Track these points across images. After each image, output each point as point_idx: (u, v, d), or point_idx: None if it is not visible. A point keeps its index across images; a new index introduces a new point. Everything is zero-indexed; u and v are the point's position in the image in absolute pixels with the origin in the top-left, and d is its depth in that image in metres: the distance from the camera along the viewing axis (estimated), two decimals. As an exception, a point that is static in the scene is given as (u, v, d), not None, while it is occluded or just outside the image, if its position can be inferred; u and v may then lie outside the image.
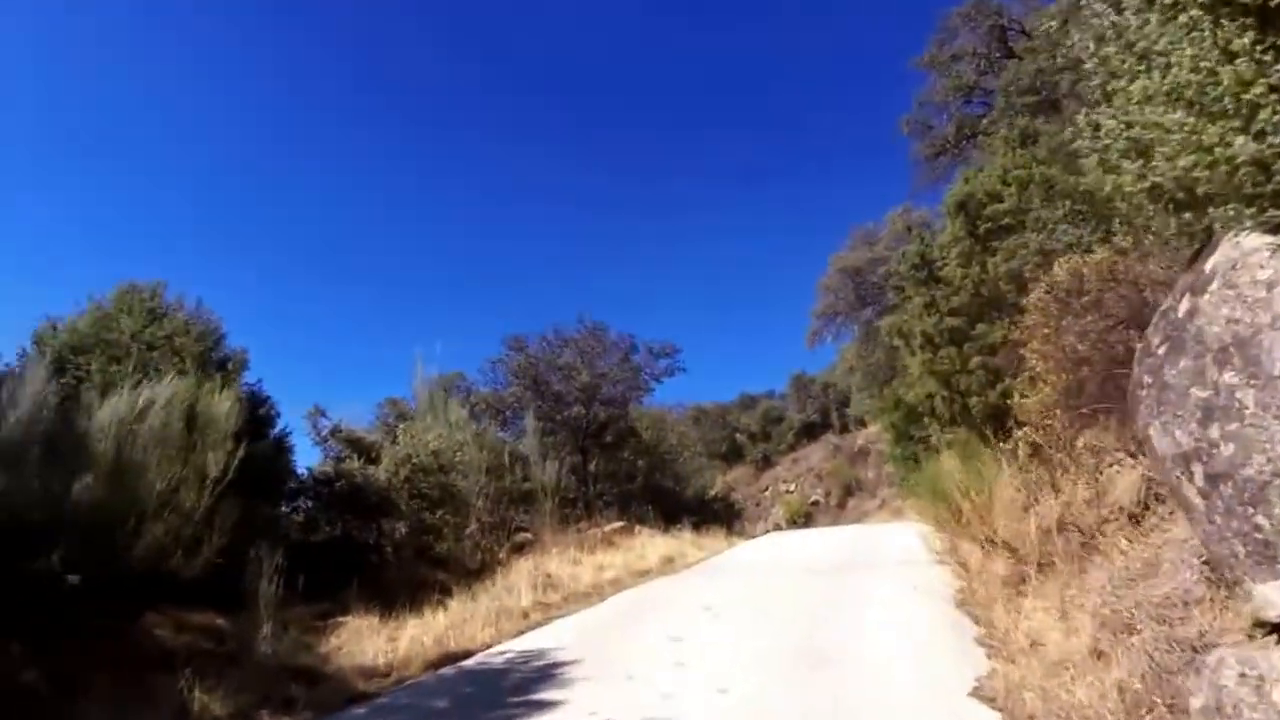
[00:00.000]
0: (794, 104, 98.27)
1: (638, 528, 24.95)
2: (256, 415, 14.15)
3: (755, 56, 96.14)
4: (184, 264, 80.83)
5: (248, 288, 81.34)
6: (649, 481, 31.87)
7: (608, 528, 23.61)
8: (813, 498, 50.45)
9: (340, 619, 12.50)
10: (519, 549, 20.16)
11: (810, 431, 58.76)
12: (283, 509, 15.48)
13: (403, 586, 14.31)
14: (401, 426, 19.04)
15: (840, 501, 48.53)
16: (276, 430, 15.11)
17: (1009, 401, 13.73)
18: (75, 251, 75.30)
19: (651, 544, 21.85)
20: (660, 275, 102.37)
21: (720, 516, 34.31)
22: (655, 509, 28.44)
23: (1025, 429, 11.31)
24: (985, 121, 26.13)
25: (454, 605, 13.15)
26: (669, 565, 18.78)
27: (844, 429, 55.85)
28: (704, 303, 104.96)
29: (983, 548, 11.10)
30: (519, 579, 15.13)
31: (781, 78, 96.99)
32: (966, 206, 16.95)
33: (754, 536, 30.62)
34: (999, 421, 13.82)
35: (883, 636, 8.95)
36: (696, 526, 27.49)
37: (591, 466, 29.49)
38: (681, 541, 23.34)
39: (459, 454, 19.12)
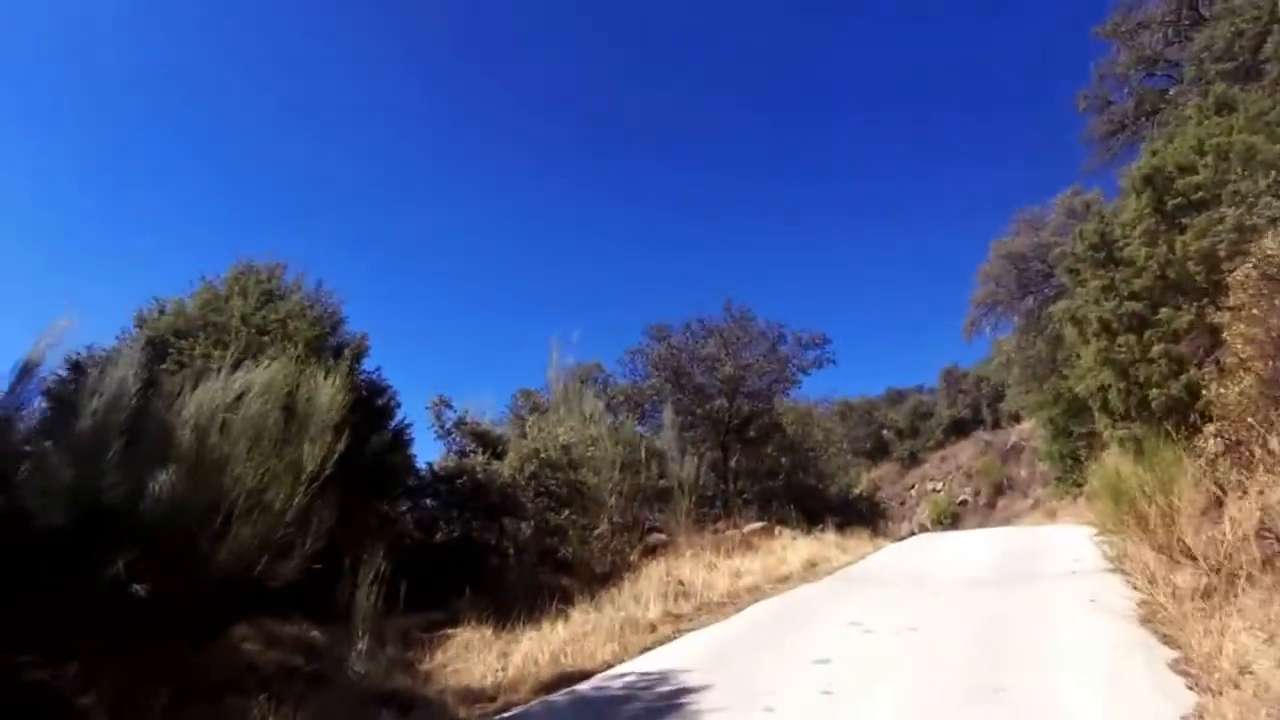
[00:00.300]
0: (951, 88, 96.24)
1: (778, 528, 23.77)
2: (374, 406, 13.27)
3: (917, 40, 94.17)
4: (321, 255, 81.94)
5: (381, 278, 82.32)
6: (791, 479, 30.44)
7: (747, 528, 22.48)
8: (961, 497, 49.16)
9: (450, 630, 11.54)
10: (651, 551, 19.13)
11: (960, 428, 57.17)
12: (402, 507, 14.50)
13: (523, 593, 13.33)
14: (531, 419, 17.99)
15: (990, 501, 47.09)
16: (396, 422, 14.13)
17: (1197, 393, 12.34)
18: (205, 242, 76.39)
19: (793, 547, 20.54)
20: (809, 266, 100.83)
21: (865, 517, 33.03)
22: (797, 508, 26.97)
23: (1220, 423, 9.92)
24: (1172, 93, 24.10)
25: (576, 615, 12.08)
26: (811, 570, 17.41)
27: (995, 425, 54.14)
28: (852, 294, 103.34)
29: (1167, 556, 9.65)
30: (648, 586, 13.92)
31: (943, 63, 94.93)
32: (1154, 180, 15.34)
33: (900, 538, 28.95)
34: (1181, 415, 12.32)
35: (1063, 663, 7.54)
36: (840, 527, 26.01)
37: (732, 463, 28.34)
38: (824, 544, 21.96)
39: (591, 449, 18.10)
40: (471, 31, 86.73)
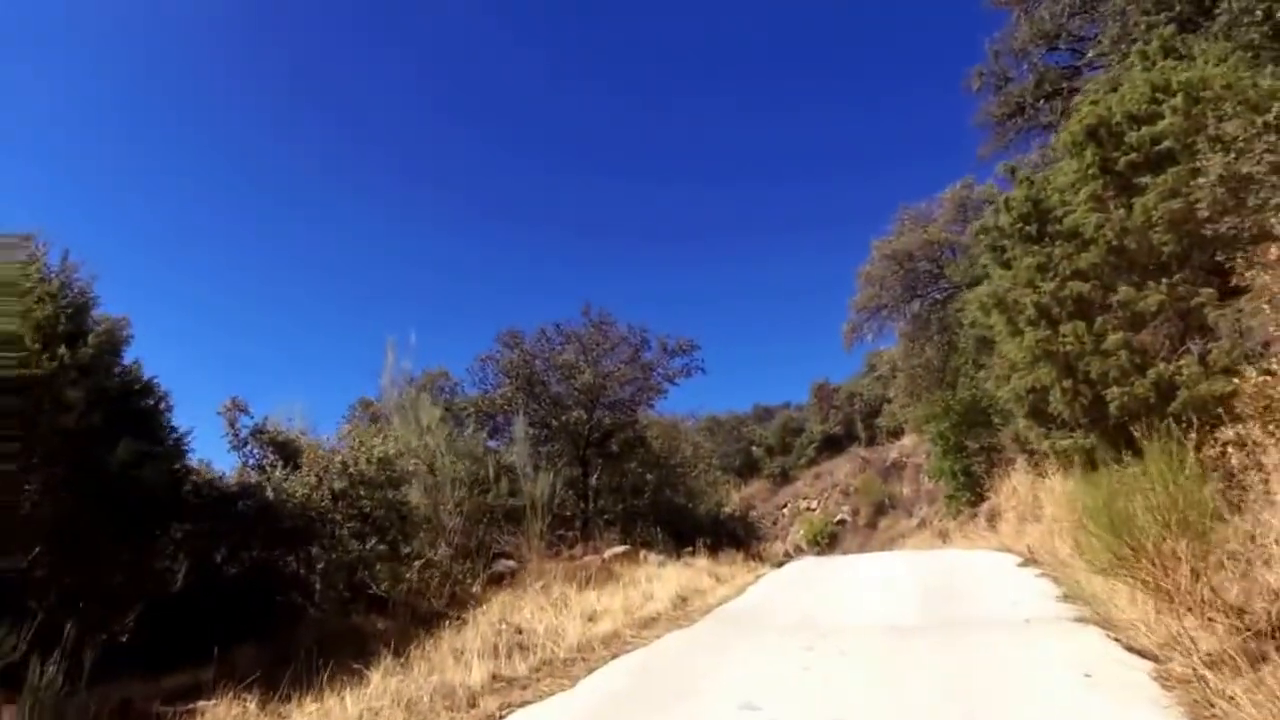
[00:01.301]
0: (817, 90, 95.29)
1: (643, 552, 21.05)
2: (130, 408, 10.26)
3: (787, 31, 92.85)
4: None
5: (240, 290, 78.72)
6: (658, 498, 27.49)
7: (608, 553, 19.85)
8: (838, 516, 46.62)
9: (197, 704, 8.25)
10: (498, 580, 16.37)
11: (833, 444, 55.36)
12: (171, 535, 11.09)
13: (322, 641, 10.15)
14: (345, 428, 14.78)
15: (870, 520, 44.47)
16: (171, 430, 11.03)
17: (1171, 392, 9.72)
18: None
19: (660, 575, 17.71)
20: (669, 279, 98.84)
21: (738, 538, 30.14)
22: (664, 530, 24.48)
23: (1240, 425, 7.51)
24: (1090, 55, 21.64)
25: (375, 679, 8.78)
26: (682, 608, 14.26)
27: (871, 441, 52.45)
28: (717, 309, 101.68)
29: (1188, 608, 6.82)
30: (476, 635, 10.66)
31: (818, 55, 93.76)
32: (1097, 135, 12.66)
33: (779, 562, 26.06)
34: (1147, 420, 9.49)
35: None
36: (712, 550, 23.48)
37: (593, 480, 25.30)
38: (696, 571, 19.16)
39: (417, 462, 15.05)
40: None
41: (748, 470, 56.97)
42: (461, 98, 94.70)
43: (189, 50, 75.93)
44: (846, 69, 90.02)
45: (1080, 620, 9.39)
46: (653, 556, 20.73)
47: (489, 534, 17.87)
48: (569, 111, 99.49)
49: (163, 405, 11.02)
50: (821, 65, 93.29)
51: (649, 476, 27.58)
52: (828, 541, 44.40)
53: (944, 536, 30.08)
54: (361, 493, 12.93)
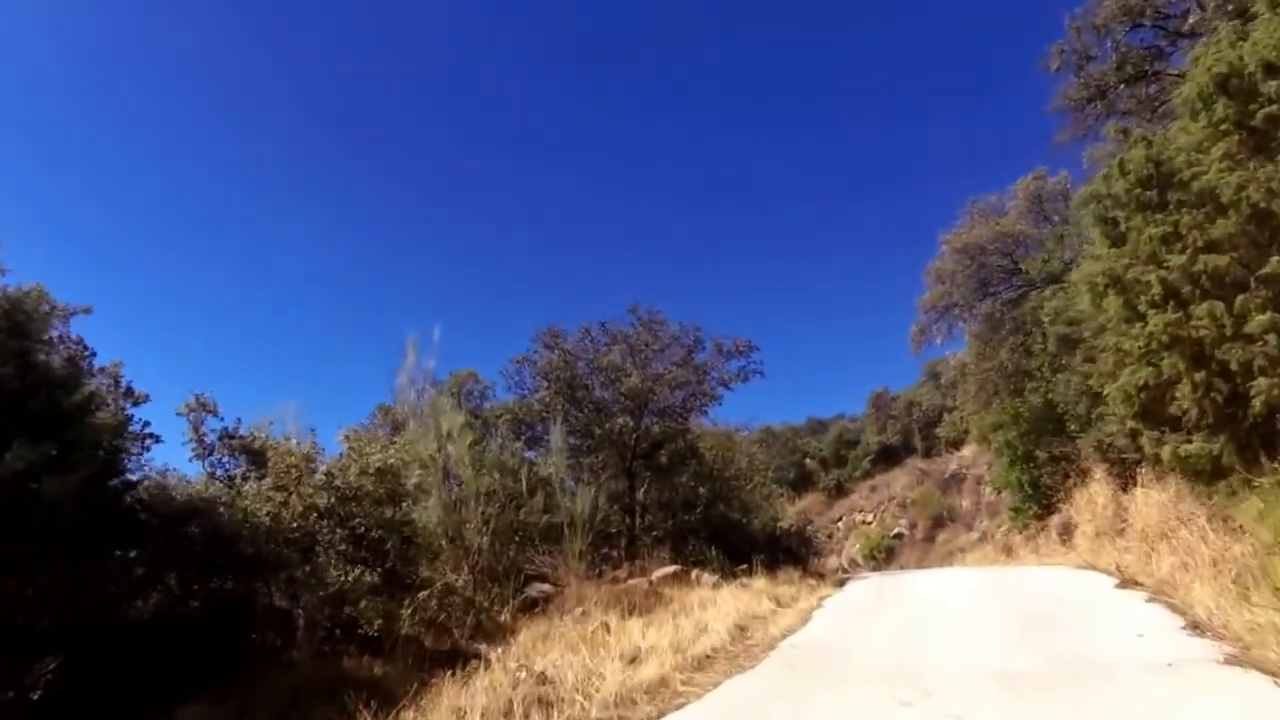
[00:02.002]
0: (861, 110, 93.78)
1: (695, 572, 19.31)
2: (25, 408, 8.40)
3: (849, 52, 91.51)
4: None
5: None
6: (711, 512, 25.35)
7: (657, 574, 18.21)
8: (895, 530, 45.06)
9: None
10: (531, 606, 14.67)
11: (890, 456, 53.67)
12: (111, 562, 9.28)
13: (298, 692, 8.34)
14: (342, 434, 12.86)
15: (928, 534, 43.03)
16: (120, 436, 9.23)
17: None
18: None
19: (714, 600, 15.80)
20: (723, 295, 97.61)
21: (794, 554, 28.15)
22: (717, 546, 22.61)
23: None
24: (1192, 22, 19.59)
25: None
26: (741, 641, 12.29)
27: (929, 453, 50.61)
28: (769, 322, 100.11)
29: None
30: (489, 687, 8.65)
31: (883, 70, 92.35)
32: (1229, 86, 10.70)
33: (840, 580, 24.03)
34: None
35: None
36: (768, 567, 21.49)
37: (640, 494, 23.46)
38: (753, 593, 17.24)
39: (425, 474, 13.21)
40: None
41: (802, 483, 54.95)
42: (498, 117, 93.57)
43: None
44: (891, 89, 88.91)
45: (1233, 663, 7.54)
46: (706, 577, 19.04)
47: (521, 555, 16.19)
48: (626, 132, 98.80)
49: (96, 404, 9.32)
50: (862, 87, 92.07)
51: (701, 490, 25.51)
52: (884, 556, 42.93)
53: (1009, 551, 28.39)
54: (354, 510, 11.09)
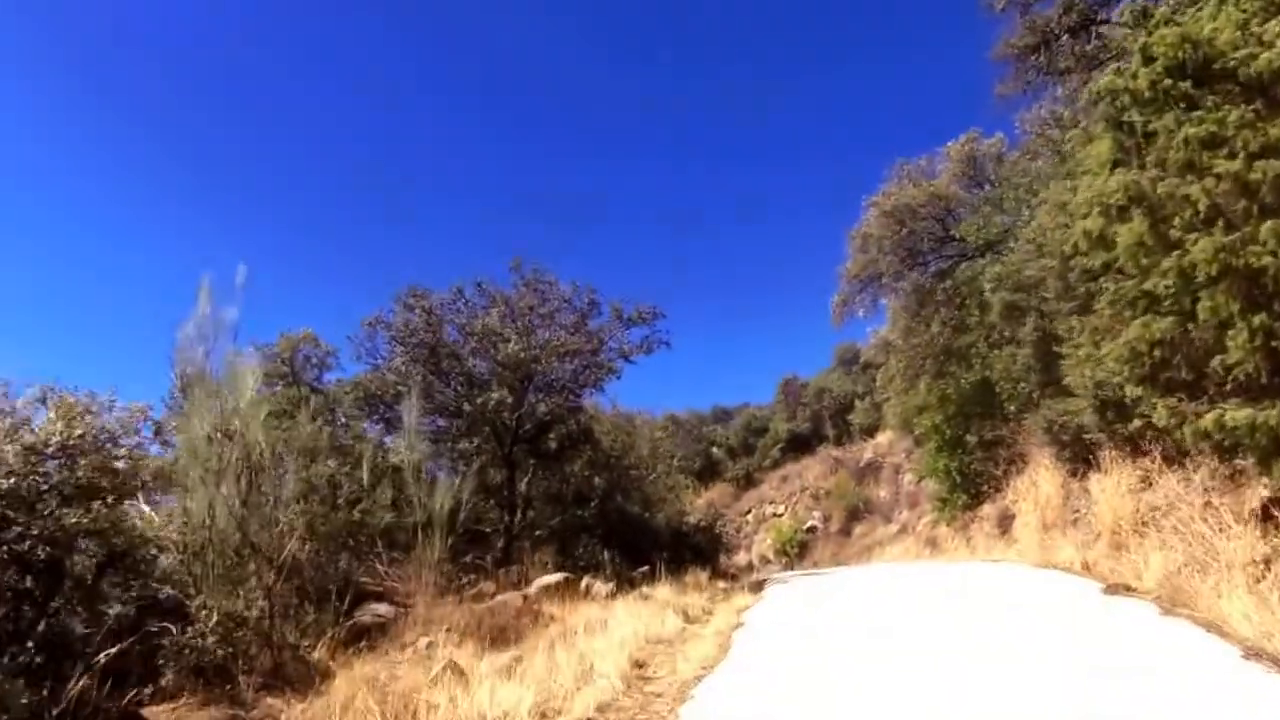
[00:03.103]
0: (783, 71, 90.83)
1: (586, 580, 16.08)
2: None
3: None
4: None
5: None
6: (607, 506, 22.30)
7: (537, 584, 15.01)
8: (808, 523, 42.33)
9: None
10: (360, 636, 10.99)
11: (801, 445, 50.93)
12: None
13: None
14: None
15: (843, 527, 40.38)
16: None
17: None
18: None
19: (606, 620, 12.30)
20: (617, 267, 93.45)
21: (701, 551, 25.28)
22: (615, 546, 19.79)
23: None
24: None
25: None
26: (641, 691, 8.73)
27: (841, 440, 48.04)
28: (672, 300, 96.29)
29: None
30: None
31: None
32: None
33: (757, 582, 20.86)
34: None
35: None
36: (672, 567, 18.78)
37: (522, 485, 19.96)
38: (656, 605, 14.06)
39: (210, 460, 9.63)
40: None
41: (708, 473, 52.09)
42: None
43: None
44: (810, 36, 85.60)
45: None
46: (599, 586, 15.95)
47: (357, 566, 12.76)
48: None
49: None
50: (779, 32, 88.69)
51: (597, 481, 22.57)
52: (797, 551, 40.29)
53: (933, 545, 27.24)
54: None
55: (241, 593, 9.68)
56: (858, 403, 47.07)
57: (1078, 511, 16.49)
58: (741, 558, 39.82)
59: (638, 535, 22.15)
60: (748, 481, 51.61)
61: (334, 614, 10.84)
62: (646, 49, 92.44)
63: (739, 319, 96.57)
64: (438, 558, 13.13)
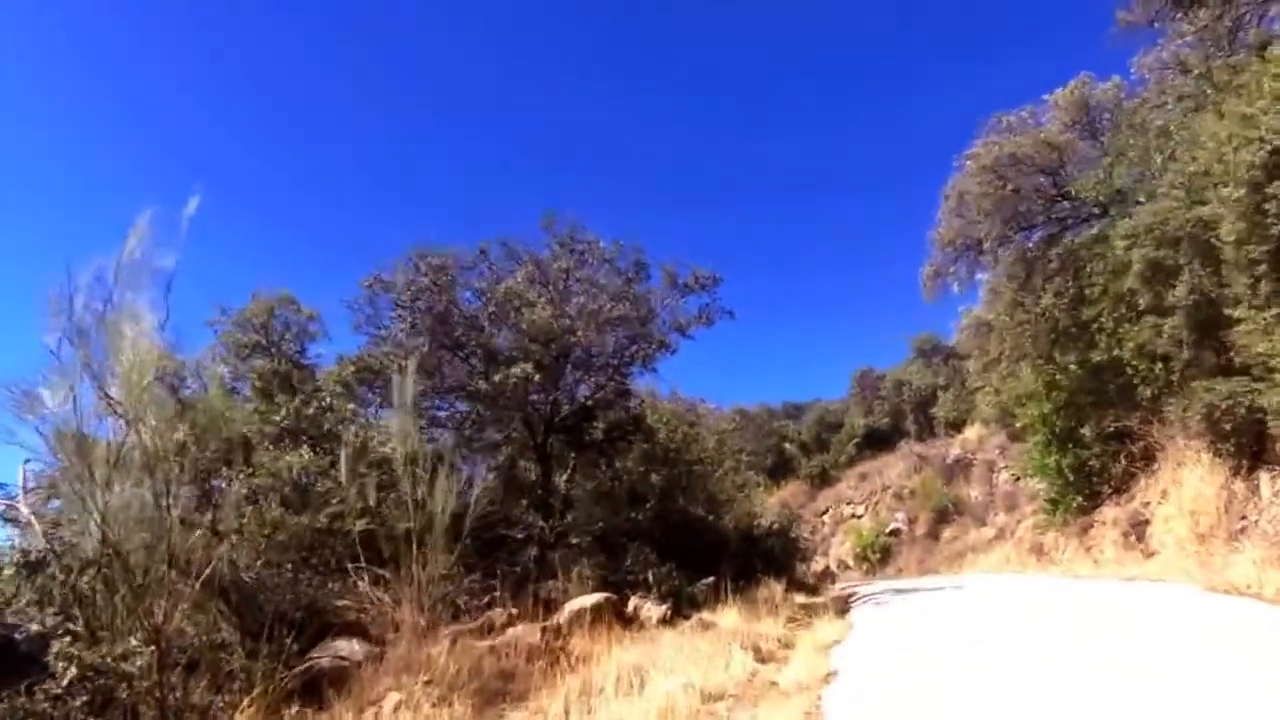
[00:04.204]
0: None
1: (634, 601, 13.28)
2: None
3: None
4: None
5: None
6: (667, 507, 18.95)
7: (571, 607, 11.78)
8: (891, 525, 39.15)
9: None
10: (315, 687, 8.03)
11: (878, 440, 47.99)
12: None
13: None
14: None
15: (930, 531, 37.04)
16: None
17: None
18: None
19: (654, 660, 9.32)
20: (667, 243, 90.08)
21: (776, 559, 22.25)
22: (673, 554, 16.43)
23: None
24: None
25: None
26: None
27: (922, 435, 45.39)
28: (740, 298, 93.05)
29: None
30: None
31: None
32: None
33: (841, 604, 17.75)
34: None
35: None
36: (739, 583, 16.25)
37: (560, 480, 16.90)
38: (719, 639, 10.96)
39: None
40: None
41: (780, 471, 49.72)
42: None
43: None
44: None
45: None
46: (649, 608, 13.04)
47: (324, 586, 9.68)
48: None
49: None
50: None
51: (654, 478, 19.17)
52: (879, 556, 37.48)
53: (1039, 553, 23.96)
54: None
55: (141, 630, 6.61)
56: (941, 395, 44.24)
57: (1246, 518, 13.82)
58: (819, 564, 36.59)
59: (701, 541, 18.96)
60: (823, 479, 48.73)
61: (275, 657, 7.71)
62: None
63: (814, 310, 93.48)
64: (429, 576, 9.99)
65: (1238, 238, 12.47)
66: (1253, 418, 13.44)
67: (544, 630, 10.24)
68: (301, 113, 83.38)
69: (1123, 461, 20.48)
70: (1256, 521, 13.19)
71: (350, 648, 8.86)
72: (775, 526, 25.52)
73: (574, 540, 15.33)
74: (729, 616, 12.92)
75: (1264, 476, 13.51)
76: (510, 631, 10.13)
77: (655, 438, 19.28)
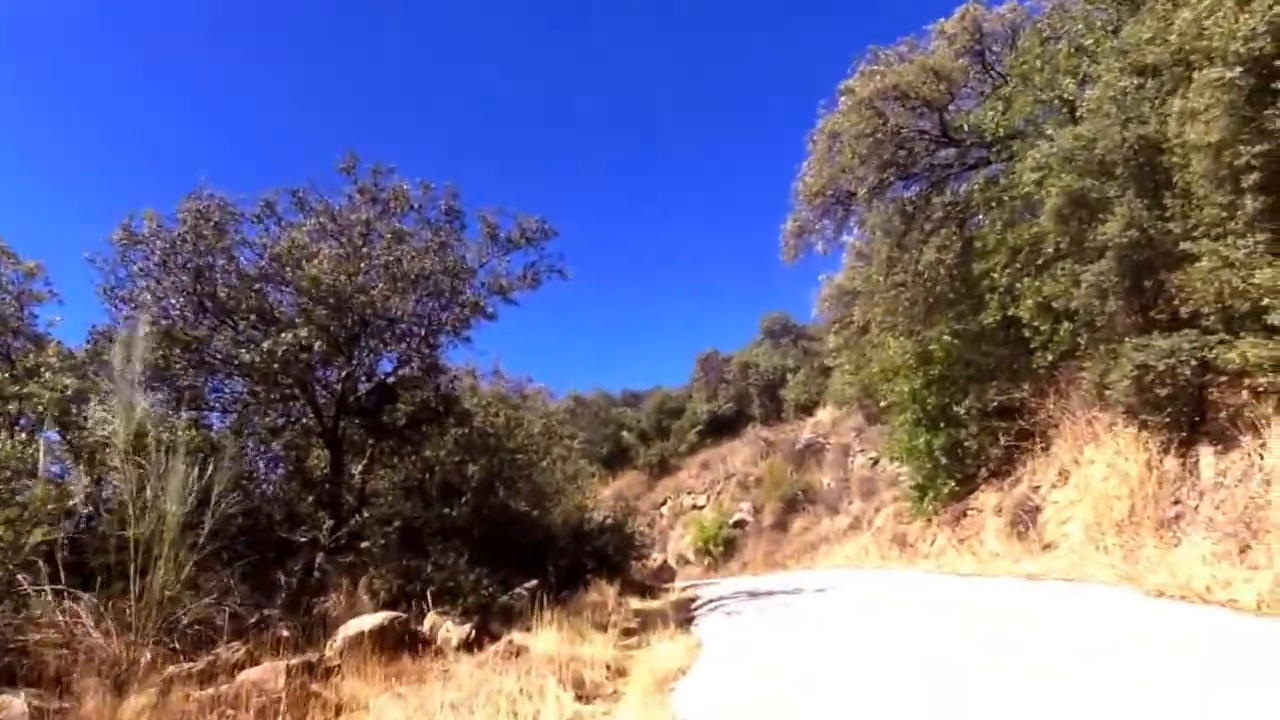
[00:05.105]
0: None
1: (431, 620, 11.17)
2: None
3: None
4: None
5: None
6: (487, 501, 16.61)
7: (347, 630, 9.49)
8: (735, 516, 37.32)
9: None
10: None
11: (723, 426, 46.63)
12: None
13: None
14: None
15: (779, 521, 35.39)
16: None
17: None
18: None
19: (436, 706, 7.27)
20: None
21: (607, 558, 21.09)
22: (488, 556, 14.15)
23: None
24: None
25: None
26: None
27: (770, 419, 44.14)
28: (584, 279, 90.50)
29: None
30: None
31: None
32: None
33: (685, 612, 16.14)
34: None
35: None
36: (566, 587, 16.06)
37: (355, 471, 14.34)
38: (532, 672, 8.62)
39: None
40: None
41: (617, 460, 48.57)
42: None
43: None
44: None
45: None
46: (449, 628, 10.81)
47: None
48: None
49: None
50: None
51: (471, 468, 16.81)
52: (723, 550, 35.71)
53: (902, 544, 22.96)
54: None
55: None
56: (791, 377, 43.21)
57: (1181, 502, 11.90)
58: (656, 558, 33.93)
59: (524, 539, 17.03)
60: (663, 468, 47.42)
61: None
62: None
63: (658, 292, 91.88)
64: (158, 599, 7.33)
65: (1221, 139, 10.35)
66: (1197, 381, 11.68)
67: (291, 671, 7.43)
68: None
69: (1004, 441, 19.12)
70: (1197, 507, 11.15)
71: (13, 706, 5.91)
72: (609, 521, 23.65)
73: (365, 543, 12.57)
74: (547, 636, 10.55)
75: (1205, 452, 11.67)
76: (247, 674, 7.39)
77: (471, 421, 16.73)
